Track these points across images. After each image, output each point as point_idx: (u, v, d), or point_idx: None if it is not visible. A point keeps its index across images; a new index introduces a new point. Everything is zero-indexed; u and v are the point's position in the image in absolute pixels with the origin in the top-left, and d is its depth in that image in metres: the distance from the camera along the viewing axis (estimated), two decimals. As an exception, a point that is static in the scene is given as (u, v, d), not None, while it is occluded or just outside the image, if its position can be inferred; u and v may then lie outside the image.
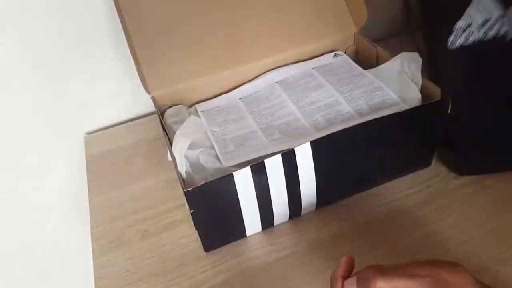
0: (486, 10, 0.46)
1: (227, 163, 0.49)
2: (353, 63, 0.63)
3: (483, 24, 0.46)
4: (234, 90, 0.63)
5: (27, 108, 0.68)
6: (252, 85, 0.63)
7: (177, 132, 0.51)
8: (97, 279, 0.51)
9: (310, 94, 0.58)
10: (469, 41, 0.47)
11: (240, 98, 0.61)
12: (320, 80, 0.60)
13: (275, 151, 0.48)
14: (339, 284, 0.37)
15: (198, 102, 0.63)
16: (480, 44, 0.46)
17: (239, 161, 0.49)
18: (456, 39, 0.47)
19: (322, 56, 0.66)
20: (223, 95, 0.63)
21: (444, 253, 0.48)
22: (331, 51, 0.67)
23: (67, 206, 0.80)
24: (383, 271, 0.35)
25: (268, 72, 0.64)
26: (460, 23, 0.47)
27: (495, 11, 0.46)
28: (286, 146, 0.49)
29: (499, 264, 0.47)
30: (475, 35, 0.46)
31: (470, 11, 0.47)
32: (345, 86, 0.58)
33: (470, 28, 0.46)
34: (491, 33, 0.46)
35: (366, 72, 0.60)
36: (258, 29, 0.63)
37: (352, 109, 0.54)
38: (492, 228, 0.50)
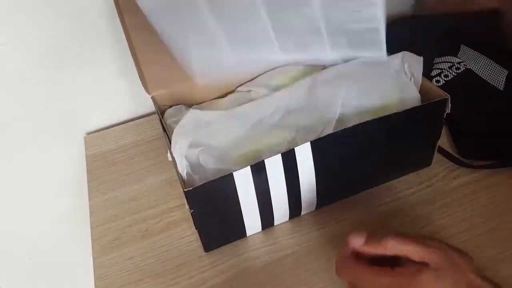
0: (447, 60, 0.68)
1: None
2: None
3: (450, 67, 0.67)
4: None
5: (27, 108, 0.68)
6: None
7: (175, 130, 0.51)
8: (97, 279, 0.51)
9: (289, 8, 0.47)
10: (448, 78, 0.66)
11: None
12: None
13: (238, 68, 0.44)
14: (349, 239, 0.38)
15: (198, 103, 0.63)
16: (456, 78, 0.66)
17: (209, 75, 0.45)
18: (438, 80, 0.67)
19: None
20: None
21: (444, 253, 0.48)
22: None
23: (68, 206, 0.80)
24: (395, 233, 0.36)
25: None
26: (433, 72, 0.68)
27: (454, 59, 0.68)
28: (246, 56, 0.43)
29: (498, 264, 0.47)
30: (450, 75, 0.67)
31: (436, 62, 0.69)
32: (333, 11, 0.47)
33: (443, 72, 0.67)
34: (459, 71, 0.66)
35: None
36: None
37: (329, 46, 0.46)
38: (491, 227, 0.50)
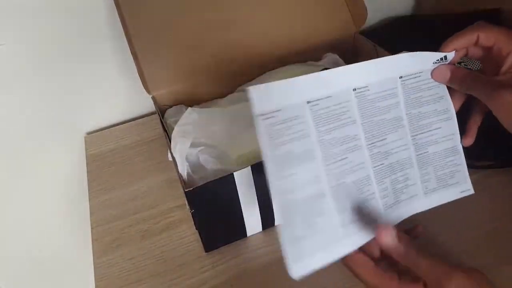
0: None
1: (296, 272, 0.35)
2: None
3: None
4: (297, 79, 0.36)
5: (27, 108, 0.68)
6: (321, 79, 0.38)
7: (175, 130, 0.51)
8: (97, 279, 0.51)
9: (387, 135, 0.40)
10: None
11: (309, 102, 0.37)
12: (399, 110, 0.41)
13: (347, 251, 0.37)
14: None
15: (198, 103, 0.63)
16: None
17: (310, 270, 0.36)
18: None
19: (418, 54, 0.42)
20: (285, 85, 0.36)
21: (444, 254, 0.48)
22: (331, 51, 0.67)
23: (67, 206, 0.80)
24: (417, 250, 0.35)
25: (343, 66, 0.40)
26: None
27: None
28: (358, 242, 0.37)
29: (499, 264, 0.47)
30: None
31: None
32: (422, 133, 0.42)
33: None
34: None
35: (449, 98, 0.43)
36: (258, 28, 0.63)
37: (419, 182, 0.41)
38: (492, 228, 0.50)
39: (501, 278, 0.45)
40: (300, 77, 0.37)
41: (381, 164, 0.39)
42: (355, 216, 0.37)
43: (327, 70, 0.39)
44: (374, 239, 0.37)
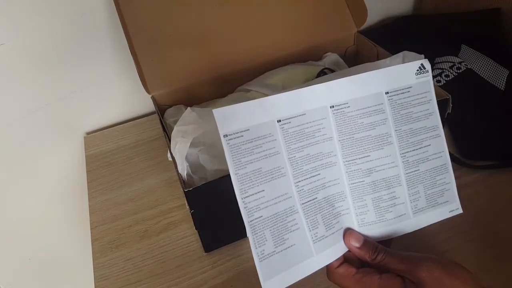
0: (448, 60, 0.69)
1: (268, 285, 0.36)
2: (433, 89, 0.42)
3: (451, 67, 0.67)
4: (268, 99, 0.38)
5: (27, 108, 0.68)
6: (295, 98, 0.39)
7: (175, 129, 0.50)
8: (97, 280, 0.51)
9: (371, 152, 0.40)
10: (449, 78, 0.67)
11: (279, 121, 0.38)
12: (387, 127, 0.40)
13: (320, 266, 0.38)
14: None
15: (198, 103, 0.63)
16: (456, 78, 0.67)
17: (283, 286, 0.37)
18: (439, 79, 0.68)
19: (404, 67, 0.42)
20: (253, 105, 0.37)
21: (444, 254, 0.48)
22: (331, 51, 0.67)
23: (67, 206, 0.80)
24: (388, 249, 0.37)
25: (321, 84, 0.39)
26: (434, 72, 0.68)
27: (455, 59, 0.68)
28: (331, 257, 0.38)
29: (498, 264, 0.47)
30: (450, 75, 0.67)
31: (437, 62, 0.69)
32: (412, 150, 0.41)
33: (444, 72, 0.67)
34: (460, 71, 0.67)
35: (438, 115, 0.42)
36: (258, 29, 0.63)
37: (409, 201, 0.41)
38: (492, 228, 0.50)
39: (500, 278, 0.46)
40: (272, 96, 0.38)
41: (360, 181, 0.40)
42: (327, 232, 0.38)
43: (302, 88, 0.39)
44: (348, 251, 0.39)
